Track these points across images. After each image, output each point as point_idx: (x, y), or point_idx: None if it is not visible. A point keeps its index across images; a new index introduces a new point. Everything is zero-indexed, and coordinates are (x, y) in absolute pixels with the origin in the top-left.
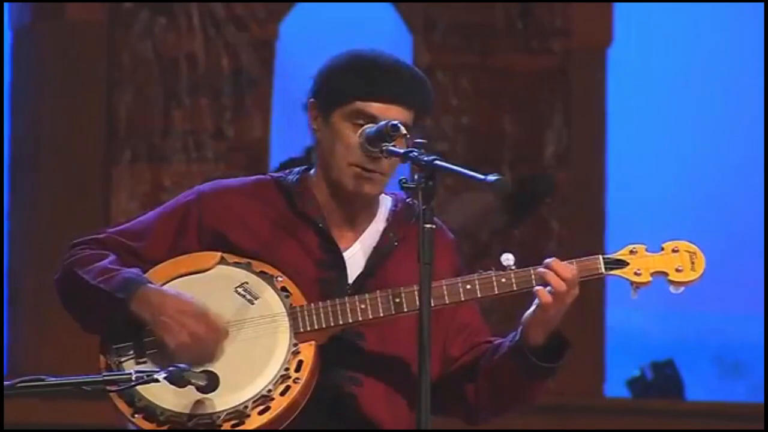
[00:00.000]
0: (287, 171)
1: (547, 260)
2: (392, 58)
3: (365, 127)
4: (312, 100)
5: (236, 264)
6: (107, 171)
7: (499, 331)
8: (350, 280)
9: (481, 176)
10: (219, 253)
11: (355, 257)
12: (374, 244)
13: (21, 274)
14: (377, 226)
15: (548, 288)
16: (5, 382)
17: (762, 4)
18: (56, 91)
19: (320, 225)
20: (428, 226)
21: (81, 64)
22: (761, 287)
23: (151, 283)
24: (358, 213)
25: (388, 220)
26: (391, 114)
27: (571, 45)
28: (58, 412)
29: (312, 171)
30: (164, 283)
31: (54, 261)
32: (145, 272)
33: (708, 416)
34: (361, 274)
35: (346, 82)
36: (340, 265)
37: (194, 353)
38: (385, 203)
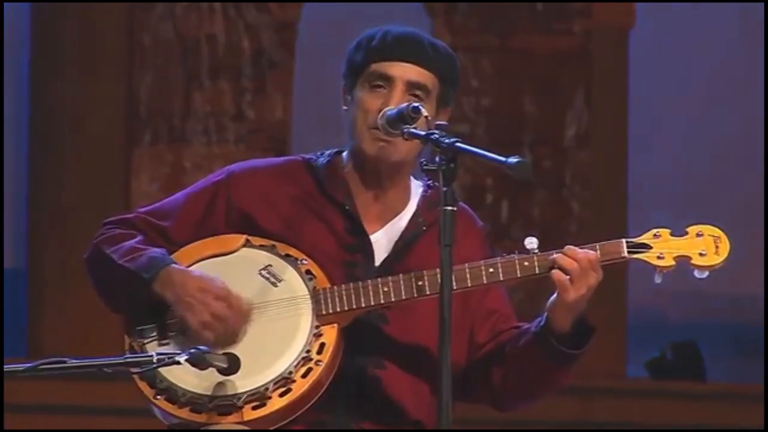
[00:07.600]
0: (318, 153)
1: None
2: (408, 27)
3: (386, 109)
4: (342, 85)
5: (261, 247)
6: (128, 152)
7: (521, 311)
8: (377, 264)
9: (502, 158)
10: (244, 236)
11: (382, 241)
12: (402, 229)
13: (42, 256)
14: (408, 210)
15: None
16: (28, 364)
17: (762, 4)
18: (76, 72)
19: (347, 208)
20: (449, 208)
21: (101, 45)
22: None
23: (175, 263)
24: (387, 195)
25: (418, 205)
26: (409, 73)
27: (592, 26)
28: (79, 393)
29: (344, 154)
30: (190, 265)
31: (75, 242)
32: (171, 253)
33: (729, 397)
34: (388, 258)
35: (361, 51)
36: (367, 249)
37: (216, 334)
38: (417, 189)
